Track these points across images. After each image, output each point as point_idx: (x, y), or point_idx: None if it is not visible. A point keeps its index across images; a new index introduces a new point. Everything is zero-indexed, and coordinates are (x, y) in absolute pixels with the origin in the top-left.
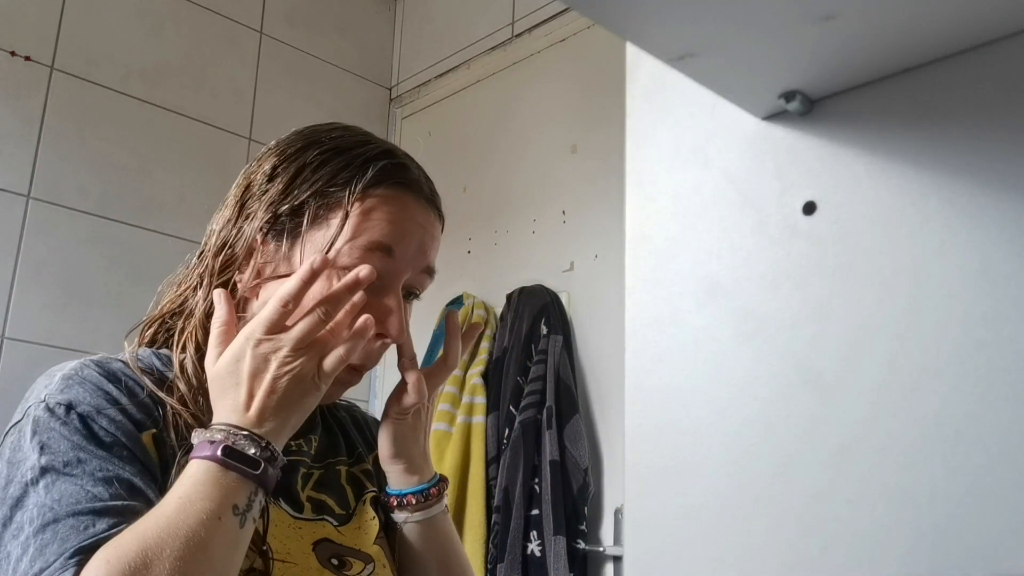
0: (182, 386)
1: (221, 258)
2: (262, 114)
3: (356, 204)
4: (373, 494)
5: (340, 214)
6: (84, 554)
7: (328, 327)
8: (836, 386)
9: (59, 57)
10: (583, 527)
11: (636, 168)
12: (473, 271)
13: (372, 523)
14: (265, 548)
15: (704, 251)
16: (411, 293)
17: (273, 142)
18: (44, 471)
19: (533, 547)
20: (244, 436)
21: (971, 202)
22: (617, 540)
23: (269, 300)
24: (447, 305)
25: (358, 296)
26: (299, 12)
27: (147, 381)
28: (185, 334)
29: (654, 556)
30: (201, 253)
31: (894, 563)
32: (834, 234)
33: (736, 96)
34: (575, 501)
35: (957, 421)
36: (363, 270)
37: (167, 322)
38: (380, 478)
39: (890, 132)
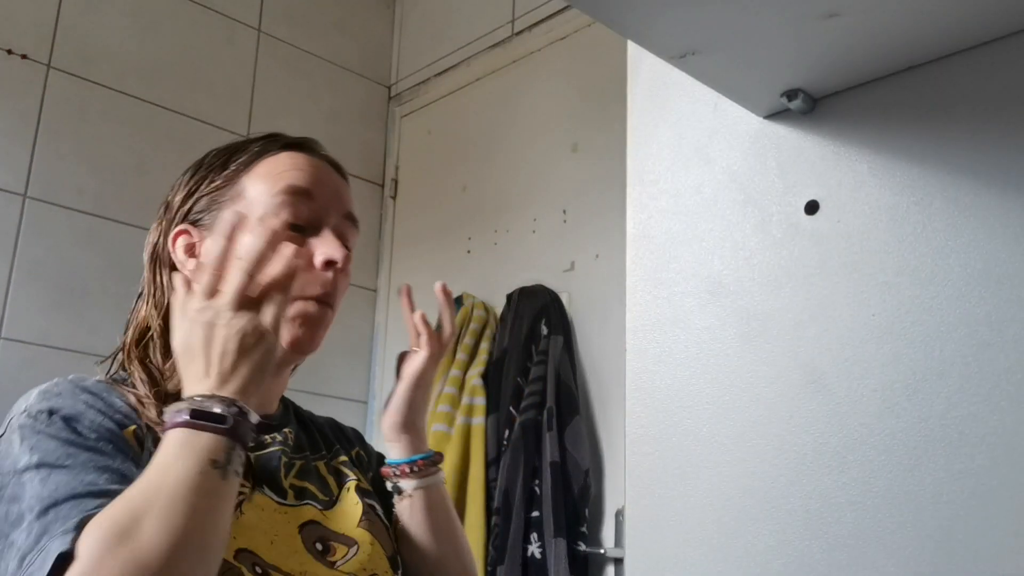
0: (142, 389)
1: (154, 262)
2: (260, 112)
3: (259, 164)
4: (355, 483)
5: (249, 179)
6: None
7: (266, 283)
8: (839, 387)
9: (56, 55)
10: (584, 529)
11: (637, 167)
12: (473, 271)
13: (355, 508)
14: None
15: (706, 250)
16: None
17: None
18: (39, 467)
19: (533, 549)
20: (208, 399)
21: (975, 201)
22: (618, 542)
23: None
24: None
25: (288, 250)
26: (297, 10)
27: (123, 391)
28: (155, 340)
29: (656, 558)
30: (142, 292)
31: (897, 564)
32: (837, 233)
33: (738, 94)
34: (576, 503)
35: (961, 422)
36: (275, 223)
37: (126, 347)
38: (362, 469)
39: (893, 130)
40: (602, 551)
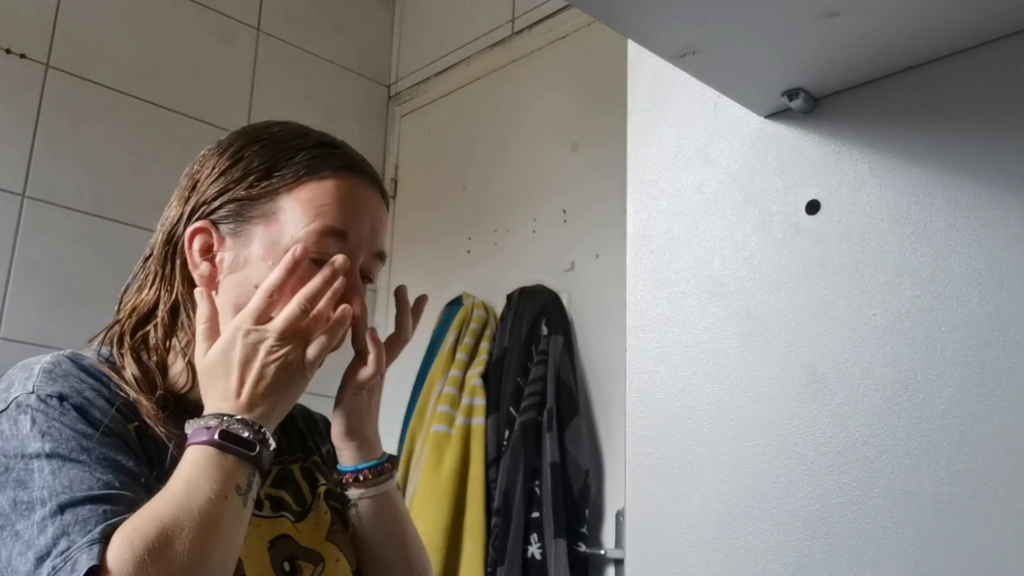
0: (135, 385)
1: (169, 242)
2: (259, 112)
3: (303, 188)
4: (325, 487)
5: (288, 200)
6: (109, 536)
7: (310, 316)
8: (840, 387)
9: (54, 55)
10: (584, 530)
11: (638, 167)
12: (473, 271)
13: (325, 517)
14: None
15: (706, 251)
16: (365, 278)
17: (213, 143)
18: (50, 457)
19: (533, 550)
20: (237, 421)
21: (977, 200)
22: (618, 543)
23: (256, 291)
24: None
25: (338, 283)
26: (297, 9)
27: (119, 377)
28: (158, 332)
29: (656, 559)
30: (148, 258)
31: (897, 565)
32: (838, 233)
33: (739, 94)
34: (576, 504)
35: (962, 423)
36: (338, 259)
37: (123, 327)
38: (331, 470)
39: (894, 130)
40: (602, 552)
